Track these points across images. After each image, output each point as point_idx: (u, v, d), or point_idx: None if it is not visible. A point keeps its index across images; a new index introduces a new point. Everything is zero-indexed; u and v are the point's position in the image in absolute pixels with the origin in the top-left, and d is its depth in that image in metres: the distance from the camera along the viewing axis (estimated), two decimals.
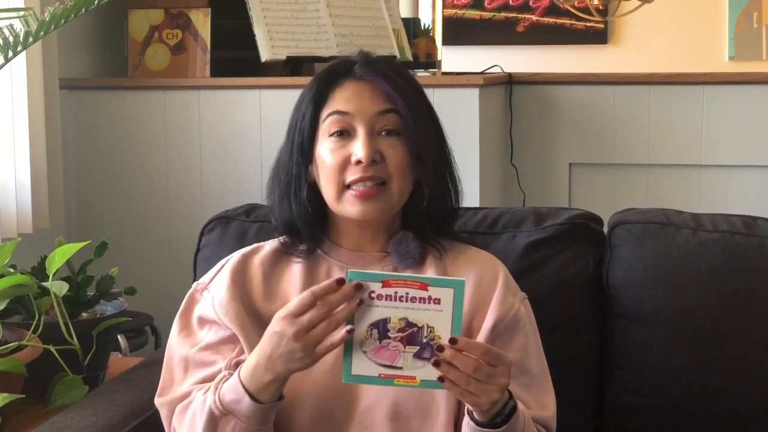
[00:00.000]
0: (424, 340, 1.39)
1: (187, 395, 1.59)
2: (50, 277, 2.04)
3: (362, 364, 1.40)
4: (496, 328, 1.61)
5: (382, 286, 1.40)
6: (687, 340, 1.85)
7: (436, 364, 1.38)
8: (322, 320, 1.40)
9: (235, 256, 1.71)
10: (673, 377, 1.86)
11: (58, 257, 2.04)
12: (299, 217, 1.66)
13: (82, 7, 2.04)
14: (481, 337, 1.60)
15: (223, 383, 1.53)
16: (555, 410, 1.65)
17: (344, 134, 1.61)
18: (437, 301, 1.39)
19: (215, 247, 2.00)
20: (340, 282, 1.40)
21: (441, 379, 1.39)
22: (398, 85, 1.63)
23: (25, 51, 2.14)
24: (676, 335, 1.86)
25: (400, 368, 1.40)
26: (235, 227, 2.01)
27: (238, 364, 1.59)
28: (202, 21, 3.18)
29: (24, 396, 1.86)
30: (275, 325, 1.45)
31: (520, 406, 1.51)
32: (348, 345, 1.40)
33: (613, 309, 1.92)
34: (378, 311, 1.40)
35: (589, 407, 1.93)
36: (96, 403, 1.84)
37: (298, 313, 1.42)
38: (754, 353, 1.84)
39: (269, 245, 1.73)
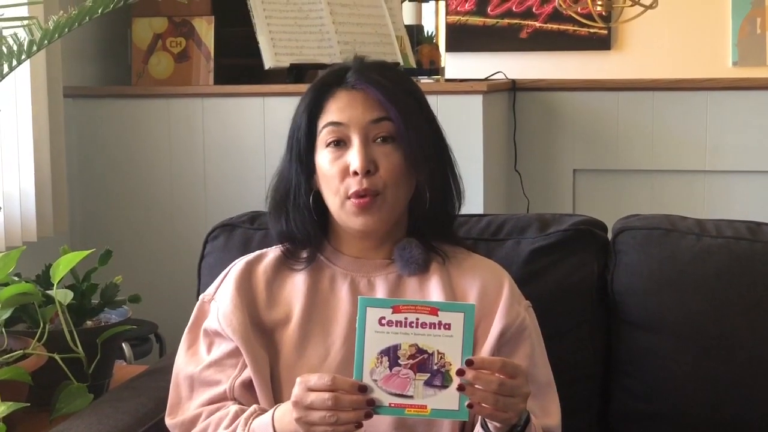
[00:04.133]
0: (435, 367, 1.39)
1: (197, 418, 1.61)
2: (55, 285, 2.04)
3: (372, 394, 1.40)
4: (503, 337, 1.61)
5: (392, 312, 1.40)
6: (692, 346, 1.85)
7: (461, 388, 1.38)
8: (323, 409, 1.40)
9: (239, 264, 1.71)
10: (678, 383, 1.86)
11: (63, 265, 2.04)
12: (301, 225, 1.67)
13: (85, 15, 2.04)
14: (488, 346, 1.60)
15: (254, 419, 1.54)
16: (560, 418, 1.65)
17: (340, 144, 1.63)
18: (447, 326, 1.39)
19: (219, 254, 2.00)
20: (362, 389, 1.40)
21: (470, 405, 1.39)
22: (390, 92, 1.64)
23: (29, 60, 2.14)
24: (681, 341, 1.85)
25: (411, 397, 1.39)
26: (239, 235, 2.01)
27: (242, 384, 1.59)
28: (205, 29, 3.18)
29: (29, 404, 1.86)
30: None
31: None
32: (358, 375, 1.40)
33: (617, 315, 1.91)
34: (388, 338, 1.39)
35: (594, 414, 1.92)
36: (101, 411, 1.83)
37: (310, 388, 1.42)
38: (760, 359, 1.83)
39: (272, 252, 1.73)
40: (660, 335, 1.87)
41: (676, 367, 1.86)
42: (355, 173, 1.60)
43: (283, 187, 1.69)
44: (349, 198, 1.61)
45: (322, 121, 1.64)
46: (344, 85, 1.65)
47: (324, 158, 1.63)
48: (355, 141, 1.61)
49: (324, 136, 1.63)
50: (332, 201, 1.64)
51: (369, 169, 1.60)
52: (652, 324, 1.87)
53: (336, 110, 1.63)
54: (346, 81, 1.65)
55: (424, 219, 1.68)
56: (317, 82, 1.69)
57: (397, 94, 1.64)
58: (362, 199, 1.60)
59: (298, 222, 1.67)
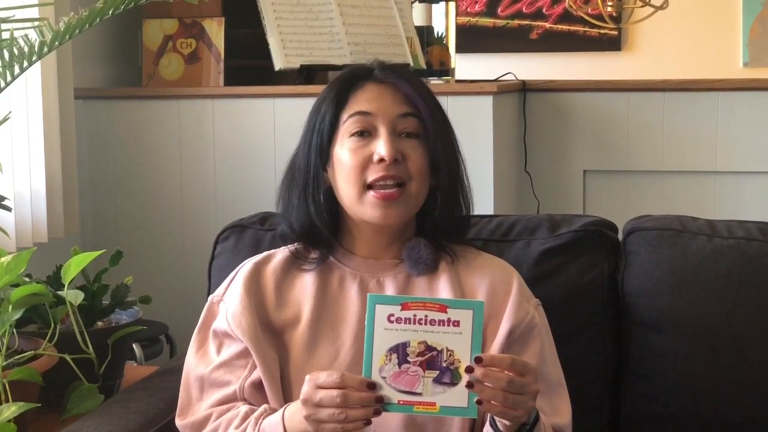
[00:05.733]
0: (444, 365, 1.39)
1: (207, 419, 1.62)
2: (65, 286, 2.04)
3: (381, 391, 1.40)
4: (512, 336, 1.61)
5: (401, 309, 1.40)
6: (703, 347, 1.84)
7: (470, 386, 1.38)
8: (332, 406, 1.40)
9: (248, 265, 1.71)
10: (689, 384, 1.85)
11: (74, 266, 2.05)
12: (317, 219, 1.66)
13: (96, 17, 2.04)
14: (497, 344, 1.60)
15: (264, 418, 1.55)
16: (571, 417, 1.64)
17: (365, 134, 1.63)
18: (456, 323, 1.39)
19: (230, 255, 2.00)
20: (371, 386, 1.40)
21: (479, 402, 1.39)
22: (419, 89, 1.65)
23: (39, 61, 2.15)
24: (692, 342, 1.85)
25: (420, 394, 1.40)
26: (249, 236, 2.01)
27: (252, 385, 1.59)
28: (215, 30, 3.18)
29: (40, 405, 1.87)
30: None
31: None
32: (367, 372, 1.40)
33: (628, 316, 1.91)
34: (397, 335, 1.40)
35: (605, 415, 1.92)
36: (111, 411, 1.84)
37: (319, 386, 1.42)
38: None
39: (281, 253, 1.73)
40: (671, 336, 1.86)
41: (687, 368, 1.85)
42: (381, 160, 1.60)
43: (300, 180, 1.68)
44: (370, 188, 1.61)
45: (347, 112, 1.64)
46: (372, 78, 1.66)
47: (345, 149, 1.63)
48: (383, 131, 1.61)
49: (348, 126, 1.63)
50: (348, 192, 1.63)
51: (396, 159, 1.60)
52: (663, 325, 1.87)
53: (364, 101, 1.64)
54: (374, 75, 1.67)
55: (433, 221, 1.68)
56: (343, 75, 1.70)
57: (424, 93, 1.66)
58: (387, 191, 1.60)
59: (316, 215, 1.67)
